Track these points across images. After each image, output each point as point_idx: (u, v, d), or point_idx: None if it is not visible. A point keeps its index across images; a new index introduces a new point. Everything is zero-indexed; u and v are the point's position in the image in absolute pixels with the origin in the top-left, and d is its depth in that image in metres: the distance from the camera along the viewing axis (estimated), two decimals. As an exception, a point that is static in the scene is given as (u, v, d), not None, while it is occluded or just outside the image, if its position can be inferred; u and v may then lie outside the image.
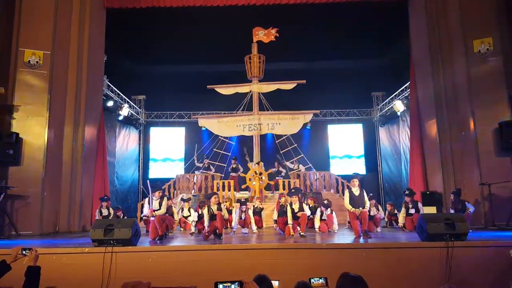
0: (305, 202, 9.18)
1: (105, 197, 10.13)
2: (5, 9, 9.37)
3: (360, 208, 7.43)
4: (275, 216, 8.72)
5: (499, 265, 5.19)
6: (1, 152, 8.67)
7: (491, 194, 8.70)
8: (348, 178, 11.28)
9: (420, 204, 8.96)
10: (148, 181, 8.16)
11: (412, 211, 8.82)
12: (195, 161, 13.66)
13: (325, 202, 9.30)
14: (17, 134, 8.97)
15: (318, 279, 3.14)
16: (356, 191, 7.63)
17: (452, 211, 8.58)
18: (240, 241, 6.90)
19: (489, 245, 5.51)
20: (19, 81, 9.36)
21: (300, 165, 13.11)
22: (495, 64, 9.36)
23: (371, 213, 8.76)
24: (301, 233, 7.56)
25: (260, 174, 11.35)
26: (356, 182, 7.70)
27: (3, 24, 9.33)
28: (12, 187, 8.65)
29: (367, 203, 7.67)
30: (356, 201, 7.54)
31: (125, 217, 9.74)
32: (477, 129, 9.39)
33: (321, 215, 8.86)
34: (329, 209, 9.05)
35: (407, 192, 9.25)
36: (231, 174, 13.09)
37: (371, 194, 9.23)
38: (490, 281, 5.08)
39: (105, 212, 9.61)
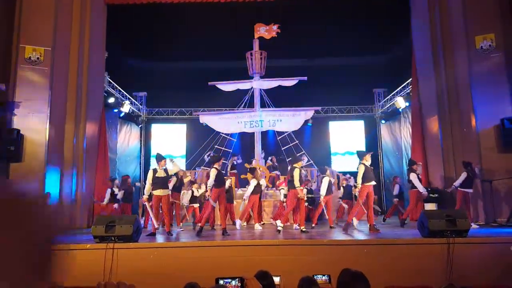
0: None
1: (113, 177, 10.30)
2: (6, 5, 9.35)
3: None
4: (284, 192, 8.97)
5: (500, 261, 5.19)
6: (2, 148, 8.66)
7: (492, 190, 8.68)
8: (349, 174, 11.26)
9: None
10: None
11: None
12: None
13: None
14: (18, 130, 8.95)
15: (321, 276, 3.13)
16: (368, 163, 7.76)
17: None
18: (242, 237, 6.92)
19: (490, 241, 5.51)
20: (20, 78, 9.33)
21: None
22: (498, 60, 9.29)
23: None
24: (313, 225, 7.60)
25: (260, 169, 11.36)
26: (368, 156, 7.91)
27: (4, 20, 9.31)
28: (13, 183, 8.65)
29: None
30: (371, 173, 7.71)
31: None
32: (479, 125, 9.31)
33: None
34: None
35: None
36: (229, 171, 12.95)
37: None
38: (491, 278, 5.08)
39: (116, 191, 9.87)
